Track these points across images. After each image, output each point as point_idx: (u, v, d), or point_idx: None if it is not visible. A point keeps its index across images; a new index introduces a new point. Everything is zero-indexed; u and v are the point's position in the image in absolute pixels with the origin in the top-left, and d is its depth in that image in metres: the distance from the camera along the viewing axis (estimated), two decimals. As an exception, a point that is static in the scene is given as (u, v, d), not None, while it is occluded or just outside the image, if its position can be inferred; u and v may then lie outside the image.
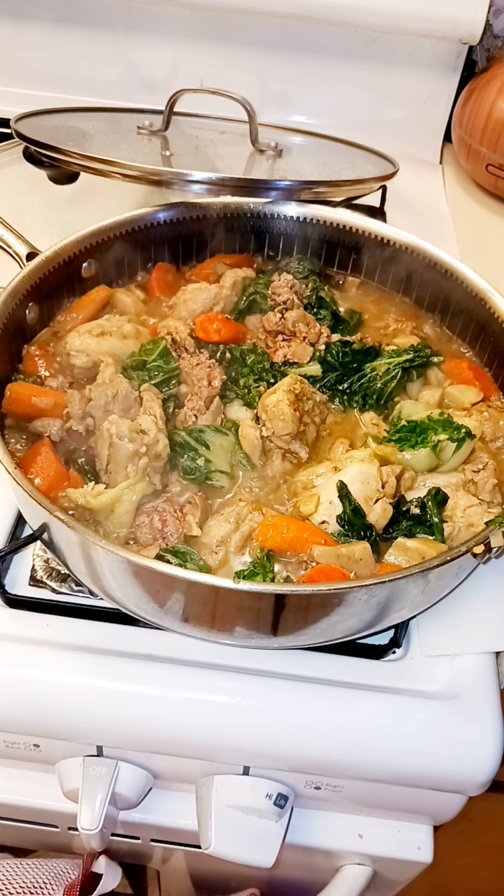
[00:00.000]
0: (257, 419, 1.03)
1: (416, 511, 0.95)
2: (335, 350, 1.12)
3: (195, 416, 1.03)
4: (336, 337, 1.16)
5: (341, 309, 1.24)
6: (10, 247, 1.17)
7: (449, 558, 0.81)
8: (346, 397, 1.11)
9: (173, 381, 1.06)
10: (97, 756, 0.96)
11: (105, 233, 1.18)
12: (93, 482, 0.94)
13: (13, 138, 1.26)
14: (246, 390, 1.08)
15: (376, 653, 0.94)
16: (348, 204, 1.30)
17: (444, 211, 1.66)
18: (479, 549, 0.83)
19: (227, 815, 0.94)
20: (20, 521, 1.01)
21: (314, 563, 0.88)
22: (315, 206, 1.27)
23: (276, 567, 0.91)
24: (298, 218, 1.27)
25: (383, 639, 0.95)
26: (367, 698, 0.90)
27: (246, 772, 0.95)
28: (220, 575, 0.90)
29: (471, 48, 1.66)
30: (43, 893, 1.01)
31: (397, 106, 1.74)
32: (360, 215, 1.27)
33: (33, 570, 0.98)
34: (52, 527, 0.85)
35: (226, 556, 0.92)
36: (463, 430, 1.00)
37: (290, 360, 1.12)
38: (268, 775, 0.95)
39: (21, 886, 1.01)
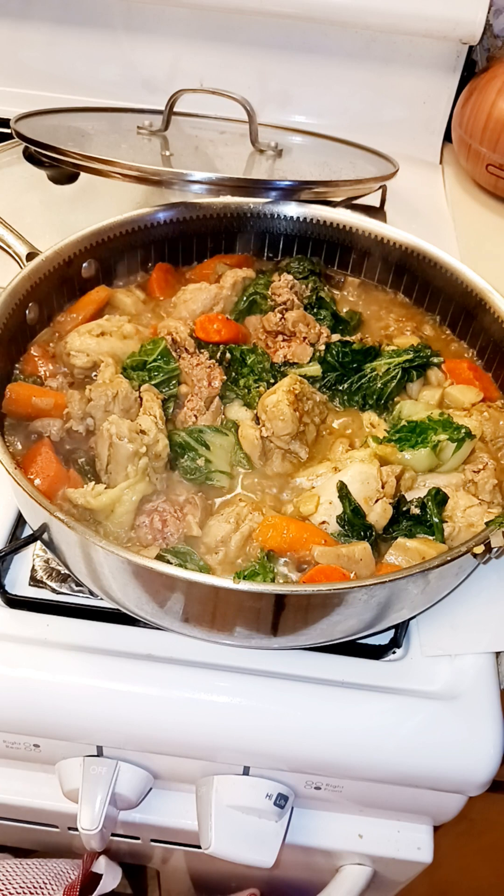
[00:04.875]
0: (257, 419, 1.02)
1: (416, 511, 0.95)
2: (335, 350, 1.12)
3: (195, 416, 1.03)
4: (336, 337, 1.16)
5: (344, 309, 1.24)
6: (10, 247, 1.17)
7: (449, 558, 0.81)
8: (346, 397, 1.11)
9: (173, 382, 1.06)
10: (97, 756, 0.96)
11: (105, 233, 1.18)
12: (93, 482, 0.94)
13: (13, 138, 1.26)
14: (246, 390, 1.08)
15: (376, 653, 0.94)
16: (348, 204, 1.30)
17: (444, 211, 1.66)
18: (479, 549, 0.83)
19: (227, 815, 0.94)
20: (20, 521, 1.01)
21: (315, 563, 0.89)
22: (315, 206, 1.26)
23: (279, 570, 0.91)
24: (298, 218, 1.27)
25: (383, 639, 0.95)
26: (367, 698, 0.90)
27: (246, 772, 0.95)
28: (220, 575, 0.90)
29: (471, 48, 1.66)
30: (43, 893, 1.01)
31: (397, 106, 1.74)
32: (360, 215, 1.27)
33: (33, 570, 0.98)
34: (52, 527, 0.85)
35: (226, 556, 0.92)
36: (463, 431, 1.00)
37: (290, 361, 1.12)
38: (268, 775, 0.95)
39: (21, 886, 1.01)
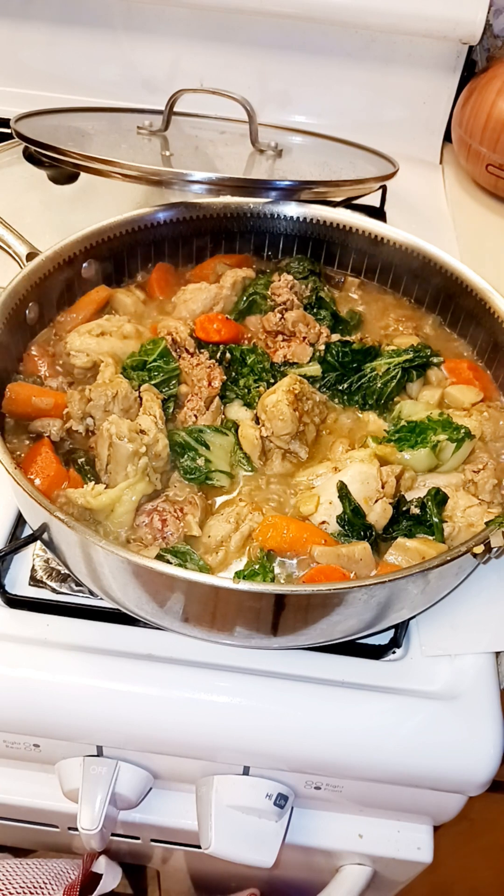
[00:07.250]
0: (257, 419, 1.02)
1: (416, 511, 0.95)
2: (335, 350, 1.12)
3: (195, 416, 1.03)
4: (336, 337, 1.16)
5: (344, 309, 1.24)
6: (10, 247, 1.17)
7: (449, 558, 0.81)
8: (345, 397, 1.11)
9: (173, 382, 1.06)
10: (97, 756, 0.96)
11: (105, 233, 1.18)
12: (93, 482, 0.94)
13: (13, 138, 1.26)
14: (246, 390, 1.08)
15: (376, 653, 0.94)
16: (348, 204, 1.30)
17: (444, 211, 1.66)
18: (479, 549, 0.83)
19: (227, 815, 0.94)
20: (20, 521, 1.01)
21: (314, 564, 0.88)
22: (315, 206, 1.27)
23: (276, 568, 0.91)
24: (298, 218, 1.27)
25: (383, 639, 0.95)
26: (367, 698, 0.90)
27: (246, 772, 0.95)
28: (219, 575, 0.90)
29: (471, 48, 1.66)
30: (43, 893, 1.01)
31: (397, 106, 1.74)
32: (360, 215, 1.27)
33: (33, 570, 0.98)
34: (52, 527, 0.85)
35: (226, 556, 0.92)
36: (462, 431, 1.00)
37: (290, 361, 1.12)
38: (268, 775, 0.95)
39: (21, 886, 1.01)
